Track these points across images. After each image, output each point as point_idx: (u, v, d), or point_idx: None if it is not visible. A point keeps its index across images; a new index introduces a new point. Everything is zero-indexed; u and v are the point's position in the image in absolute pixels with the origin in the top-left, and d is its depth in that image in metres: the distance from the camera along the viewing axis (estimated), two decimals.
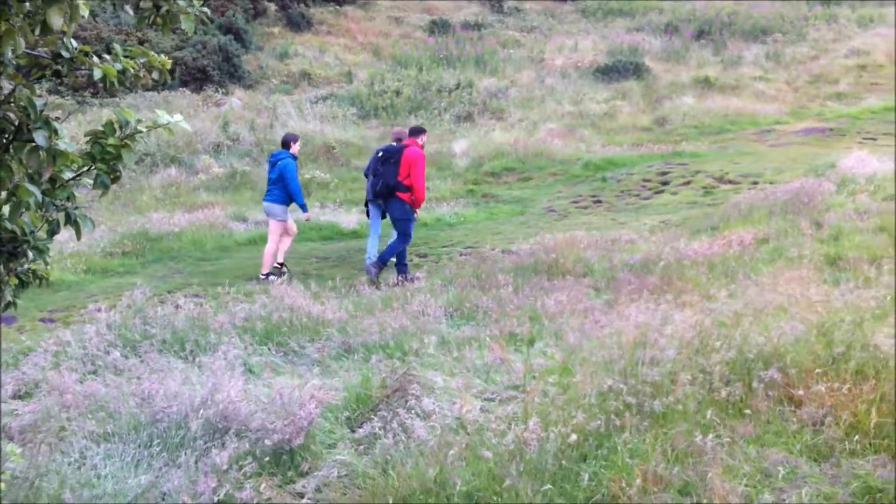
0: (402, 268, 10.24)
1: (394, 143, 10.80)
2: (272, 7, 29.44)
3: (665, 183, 15.59)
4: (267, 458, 4.38)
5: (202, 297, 9.33)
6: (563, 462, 3.94)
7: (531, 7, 34.56)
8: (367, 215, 11.41)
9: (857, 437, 4.01)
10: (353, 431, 4.93)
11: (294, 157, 11.08)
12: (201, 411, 4.71)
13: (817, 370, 4.55)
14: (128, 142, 3.33)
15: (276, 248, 10.96)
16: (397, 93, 22.58)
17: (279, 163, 10.88)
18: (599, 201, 14.95)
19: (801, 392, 4.42)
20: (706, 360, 4.71)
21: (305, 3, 29.85)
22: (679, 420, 4.20)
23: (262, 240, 12.84)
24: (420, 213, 12.33)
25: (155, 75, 3.69)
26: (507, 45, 28.18)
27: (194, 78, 23.29)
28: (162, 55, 3.69)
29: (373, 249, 10.84)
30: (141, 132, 3.36)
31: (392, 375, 5.46)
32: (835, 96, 22.77)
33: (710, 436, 3.99)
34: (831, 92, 23.16)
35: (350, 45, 28.11)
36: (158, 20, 3.54)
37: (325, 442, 4.76)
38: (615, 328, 5.36)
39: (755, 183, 14.28)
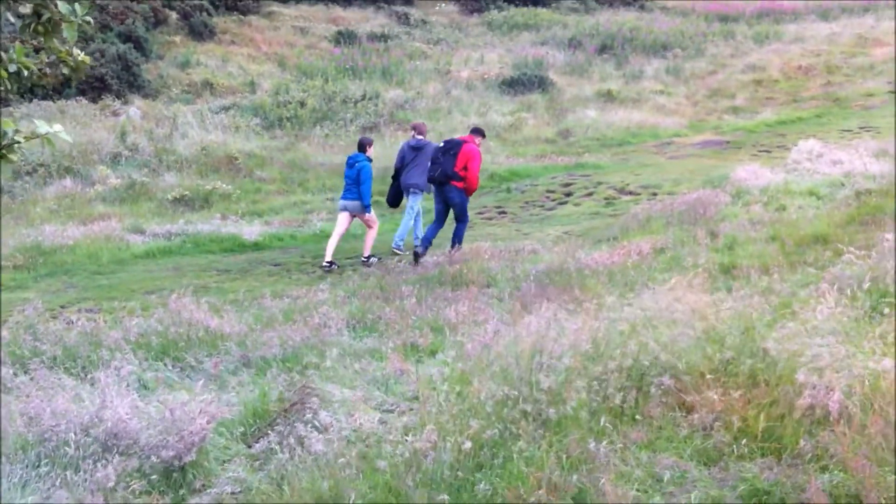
0: (457, 240, 11.49)
1: (419, 137, 12.39)
2: (174, 16, 28.83)
3: (568, 194, 15.82)
4: (156, 476, 4.26)
5: (96, 312, 9.06)
6: (459, 472, 3.94)
7: (437, 19, 34.75)
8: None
9: (745, 441, 4.11)
10: (249, 447, 4.84)
11: (369, 160, 12.11)
12: (90, 429, 4.56)
13: (709, 376, 4.65)
14: (5, 152, 3.22)
15: (338, 240, 11.92)
16: (302, 103, 22.38)
17: (357, 164, 11.94)
18: (504, 212, 15.08)
19: (692, 398, 4.52)
20: (602, 368, 4.78)
21: (208, 12, 29.34)
22: (573, 427, 4.25)
23: (161, 252, 12.71)
24: (325, 224, 13.75)
25: (65, 71, 3.57)
26: (414, 56, 28.26)
27: (92, 87, 22.59)
28: (79, 52, 3.58)
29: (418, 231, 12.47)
30: (19, 142, 3.24)
31: (290, 389, 5.39)
32: (731, 110, 23.53)
33: (604, 442, 4.04)
34: (728, 106, 23.93)
35: (254, 54, 27.76)
36: (40, 28, 3.43)
37: (220, 458, 4.67)
38: (514, 337, 5.39)
39: (654, 194, 14.61)
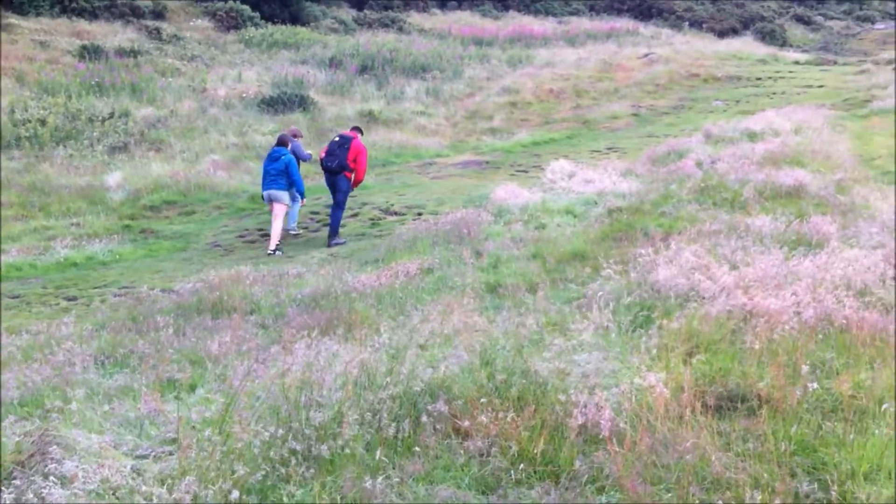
0: (334, 230, 13.47)
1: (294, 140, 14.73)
2: None
3: None
4: None
5: None
6: None
7: (192, 35, 33.56)
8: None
9: (522, 465, 4.02)
10: None
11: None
12: None
13: (482, 399, 4.54)
14: None
15: (281, 227, 13.47)
16: (42, 121, 20.74)
17: (282, 158, 13.53)
18: (267, 235, 14.58)
19: (467, 423, 4.39)
20: (374, 397, 4.56)
21: None
22: (348, 464, 3.99)
23: None
24: (69, 252, 13.30)
25: None
26: (167, 73, 27.01)
27: None
28: None
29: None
30: None
31: (28, 438, 4.79)
32: (489, 131, 24.21)
33: (380, 478, 3.82)
34: (486, 127, 24.60)
35: None
36: None
37: None
38: (281, 368, 5.07)
39: (419, 214, 14.69)
